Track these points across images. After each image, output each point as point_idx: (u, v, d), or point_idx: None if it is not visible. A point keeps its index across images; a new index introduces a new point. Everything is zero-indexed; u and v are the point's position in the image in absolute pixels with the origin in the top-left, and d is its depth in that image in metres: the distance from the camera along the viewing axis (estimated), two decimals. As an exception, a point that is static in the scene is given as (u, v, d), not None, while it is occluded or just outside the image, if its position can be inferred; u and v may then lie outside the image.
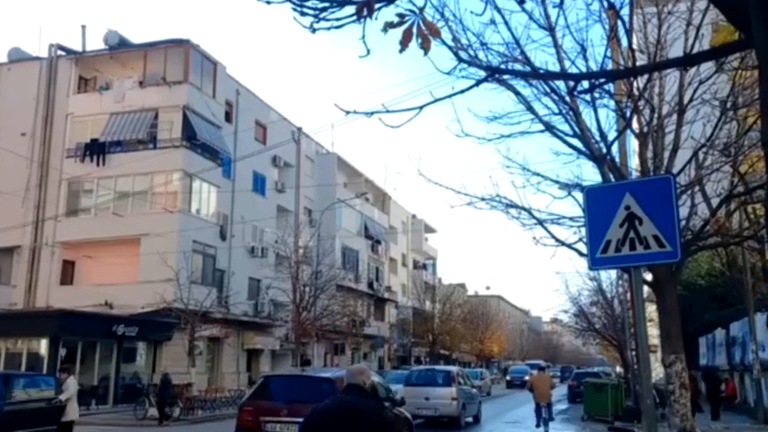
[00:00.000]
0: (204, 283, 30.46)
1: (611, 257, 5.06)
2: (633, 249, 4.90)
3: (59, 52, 33.55)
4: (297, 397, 10.49)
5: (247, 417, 10.88)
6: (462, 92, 4.56)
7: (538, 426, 18.44)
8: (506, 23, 8.56)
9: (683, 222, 10.82)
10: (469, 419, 21.23)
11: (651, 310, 21.19)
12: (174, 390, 22.16)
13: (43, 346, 24.49)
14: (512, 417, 24.95)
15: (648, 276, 10.89)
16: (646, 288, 10.78)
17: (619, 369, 45.93)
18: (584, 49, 9.31)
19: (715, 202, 11.20)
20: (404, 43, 3.39)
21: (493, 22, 7.71)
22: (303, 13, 3.43)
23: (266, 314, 36.01)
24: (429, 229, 71.14)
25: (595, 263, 5.23)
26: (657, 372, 27.88)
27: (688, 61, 5.22)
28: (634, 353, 24.49)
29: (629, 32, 8.14)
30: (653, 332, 24.12)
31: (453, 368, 23.72)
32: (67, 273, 31.62)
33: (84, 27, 34.05)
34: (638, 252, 4.89)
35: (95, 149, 31.13)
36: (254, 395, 11.67)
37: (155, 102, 31.26)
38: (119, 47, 32.83)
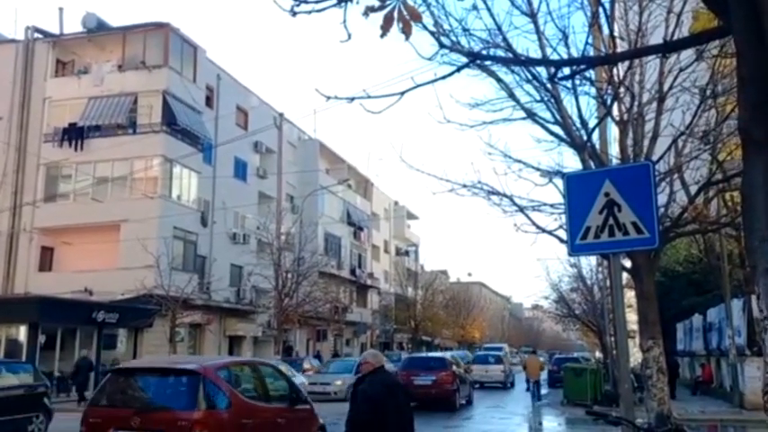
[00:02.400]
0: (185, 269, 30.23)
1: (590, 244, 5.09)
2: (612, 236, 4.93)
3: (36, 35, 32.87)
4: (419, 365, 22.42)
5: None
6: (444, 77, 4.55)
7: (528, 390, 26.41)
8: (489, 9, 8.51)
9: (662, 209, 10.90)
10: (509, 385, 33.84)
11: (630, 296, 21.48)
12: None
13: (22, 332, 24.21)
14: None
15: (627, 263, 10.97)
16: (624, 274, 10.87)
17: (598, 354, 46.49)
18: (565, 36, 9.28)
19: (693, 189, 11.27)
20: (385, 28, 3.36)
21: (475, 7, 7.66)
22: (283, -4, 3.39)
23: (248, 301, 35.90)
24: (411, 216, 71.25)
25: (575, 249, 5.27)
26: (635, 357, 28.26)
27: (667, 48, 5.26)
28: (613, 338, 24.79)
29: (610, 20, 8.16)
30: (631, 318, 24.39)
31: (502, 352, 38.60)
32: (46, 259, 31.22)
33: (61, 9, 33.28)
34: (617, 238, 4.92)
35: (73, 134, 30.64)
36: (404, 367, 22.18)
37: (134, 86, 30.81)
38: (97, 30, 32.24)
